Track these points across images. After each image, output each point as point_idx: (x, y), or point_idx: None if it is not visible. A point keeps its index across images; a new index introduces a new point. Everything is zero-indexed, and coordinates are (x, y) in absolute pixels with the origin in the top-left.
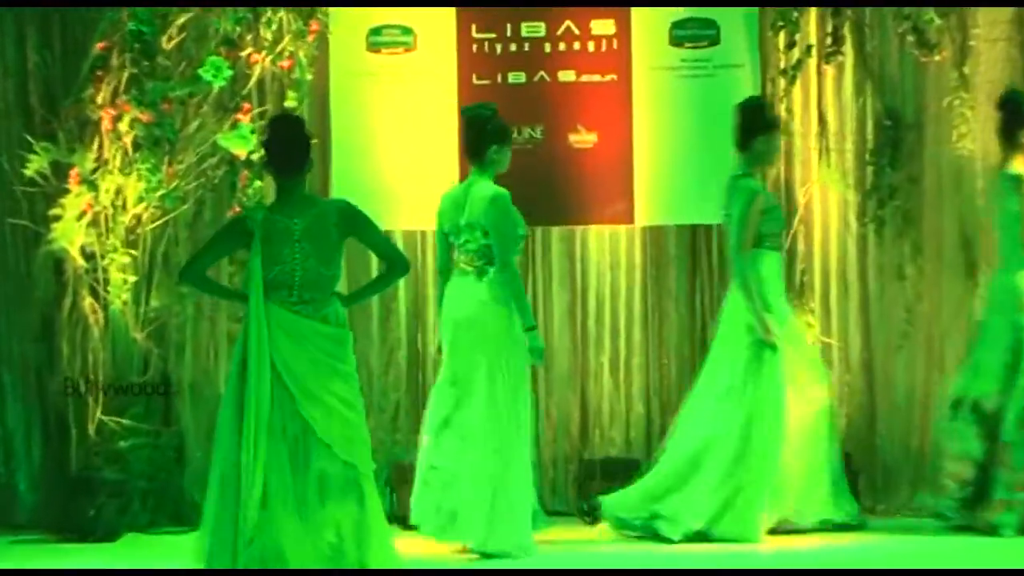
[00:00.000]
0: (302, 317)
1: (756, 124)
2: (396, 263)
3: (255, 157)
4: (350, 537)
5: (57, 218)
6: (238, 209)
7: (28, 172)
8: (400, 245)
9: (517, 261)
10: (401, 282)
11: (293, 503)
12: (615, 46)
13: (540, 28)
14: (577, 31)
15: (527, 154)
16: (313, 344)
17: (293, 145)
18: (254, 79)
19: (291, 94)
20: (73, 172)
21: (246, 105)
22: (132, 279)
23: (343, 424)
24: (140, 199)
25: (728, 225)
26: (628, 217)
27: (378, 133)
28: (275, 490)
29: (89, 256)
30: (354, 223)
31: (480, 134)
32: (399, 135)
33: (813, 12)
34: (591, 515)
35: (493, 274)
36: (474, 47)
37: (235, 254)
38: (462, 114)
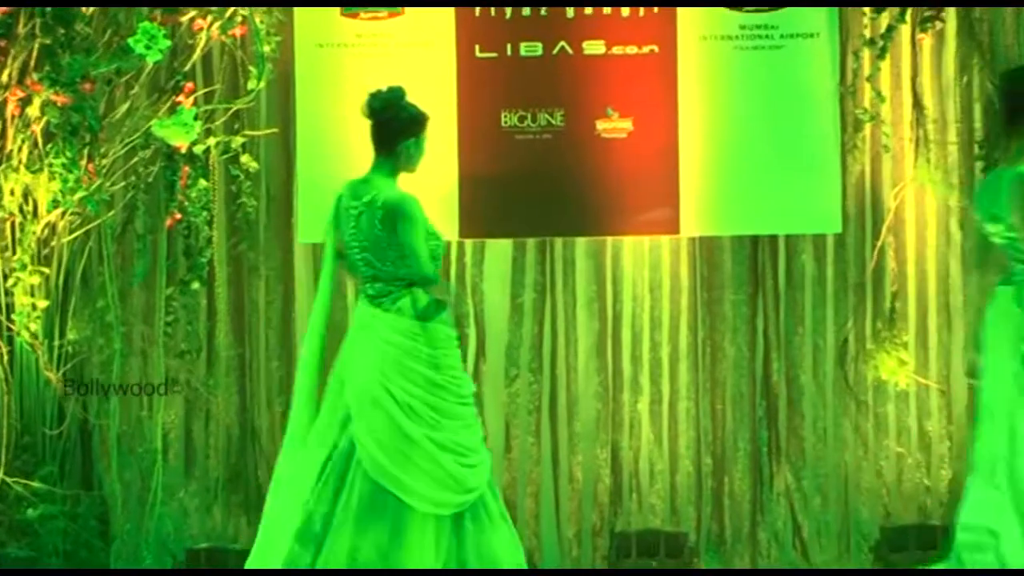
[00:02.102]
0: (378, 309)
1: None
2: (416, 280)
3: (198, 149)
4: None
5: None
6: (178, 216)
7: None
8: None
9: None
10: None
11: (301, 524)
12: (656, 9)
13: None
14: None
15: (544, 146)
16: (383, 339)
17: (377, 122)
18: (198, 52)
19: (252, 71)
20: None
21: (188, 84)
22: (43, 304)
23: (395, 436)
24: (54, 203)
25: None
26: (672, 226)
27: (355, 121)
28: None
29: None
30: (393, 221)
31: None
32: None
33: None
34: None
35: (1019, 277)
36: (477, 10)
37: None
38: (1003, 77)
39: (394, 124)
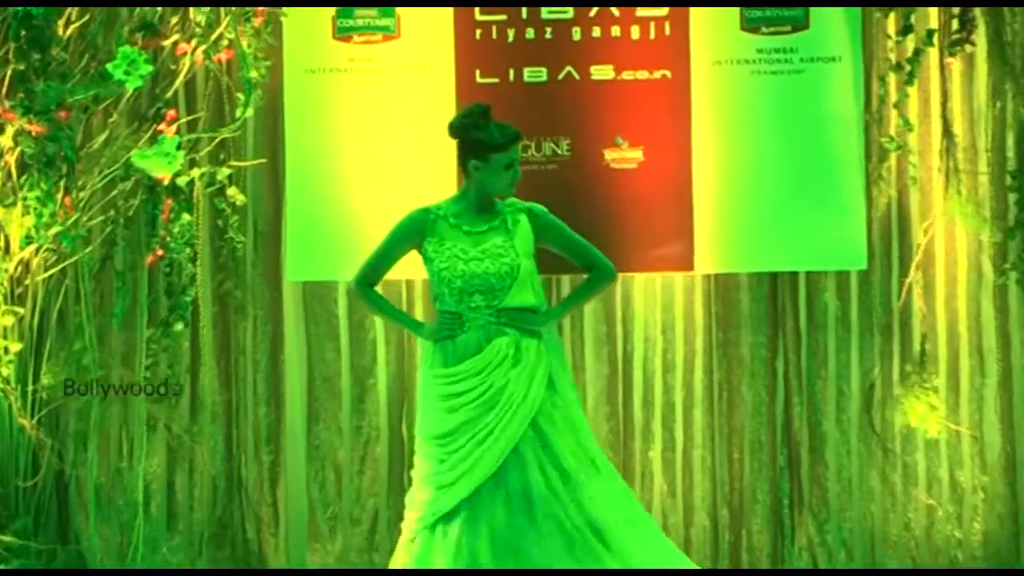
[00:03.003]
0: None
1: None
2: None
3: (182, 181)
4: None
5: None
6: (160, 252)
7: None
8: None
9: None
10: (382, 352)
11: None
12: (668, 32)
13: (567, 9)
14: (616, 12)
15: (549, 176)
16: None
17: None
18: (181, 77)
19: (239, 98)
20: None
21: (170, 112)
22: (17, 347)
23: None
24: (28, 239)
25: None
26: (686, 262)
27: (348, 151)
28: None
29: None
30: None
31: None
32: (377, 153)
33: None
34: None
35: None
36: (477, 33)
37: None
38: None
39: (461, 144)
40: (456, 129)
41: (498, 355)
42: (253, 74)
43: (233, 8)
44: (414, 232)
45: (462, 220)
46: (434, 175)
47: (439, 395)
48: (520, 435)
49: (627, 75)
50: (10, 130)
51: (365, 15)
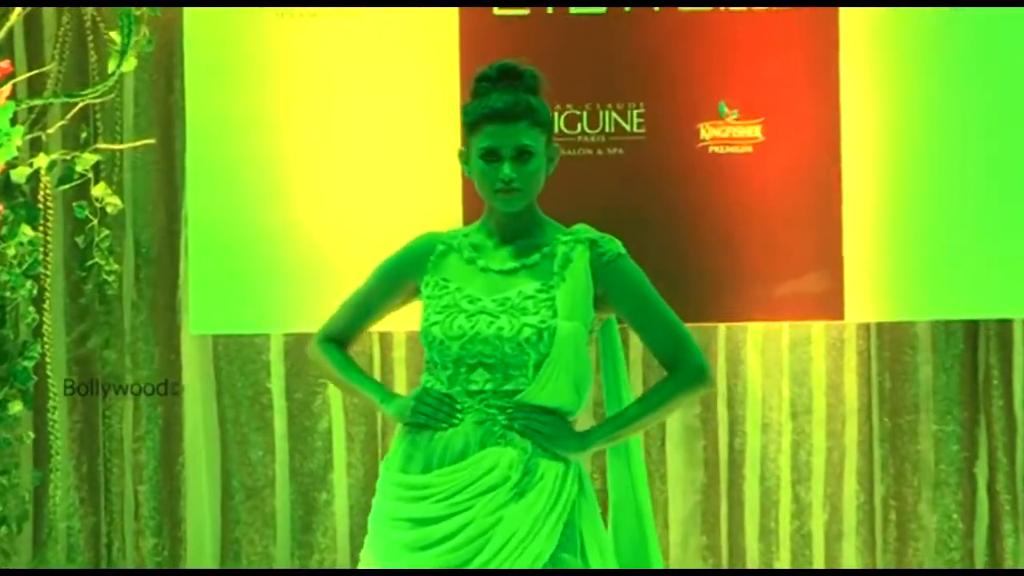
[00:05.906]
0: None
1: None
2: None
3: (19, 175)
4: None
5: None
6: None
7: None
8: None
9: None
10: (340, 449)
11: None
12: None
13: None
14: None
15: (610, 167)
16: None
17: None
18: (19, 9)
19: (112, 42)
20: None
21: (2, 65)
22: None
23: None
24: None
25: None
26: (831, 306)
27: (284, 126)
28: None
29: None
30: None
31: None
32: (332, 130)
33: None
34: None
35: None
36: None
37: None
38: None
39: None
40: None
41: (489, 476)
42: (135, 10)
43: None
44: (410, 266)
45: (481, 253)
46: (426, 161)
47: (392, 517)
48: None
49: (736, 7)
50: None
51: None
